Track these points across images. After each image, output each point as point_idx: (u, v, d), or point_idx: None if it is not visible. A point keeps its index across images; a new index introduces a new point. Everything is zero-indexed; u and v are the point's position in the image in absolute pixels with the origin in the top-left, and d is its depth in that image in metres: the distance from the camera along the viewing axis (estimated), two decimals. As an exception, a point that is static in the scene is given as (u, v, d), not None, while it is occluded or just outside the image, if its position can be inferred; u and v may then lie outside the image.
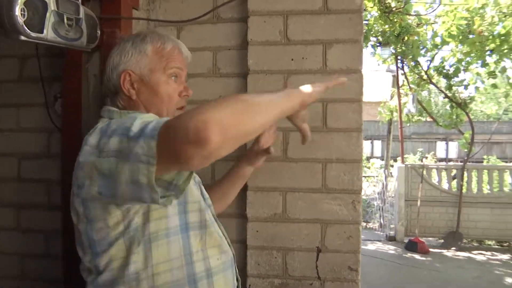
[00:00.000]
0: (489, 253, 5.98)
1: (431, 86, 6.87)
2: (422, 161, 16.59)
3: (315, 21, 1.41)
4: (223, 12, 1.47)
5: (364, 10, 5.26)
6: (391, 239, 6.62)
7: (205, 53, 1.47)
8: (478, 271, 5.16)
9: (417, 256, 5.78)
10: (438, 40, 5.56)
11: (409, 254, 5.87)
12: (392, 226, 6.81)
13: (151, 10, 1.53)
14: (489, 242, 6.43)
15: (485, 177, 6.55)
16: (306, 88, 0.93)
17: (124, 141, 0.79)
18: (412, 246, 6.01)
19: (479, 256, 5.85)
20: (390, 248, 6.24)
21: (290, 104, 0.90)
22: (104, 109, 1.05)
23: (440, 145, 21.77)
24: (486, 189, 6.50)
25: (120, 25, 1.33)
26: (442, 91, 6.24)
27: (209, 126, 0.66)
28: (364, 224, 8.16)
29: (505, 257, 5.79)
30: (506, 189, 6.42)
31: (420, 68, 6.16)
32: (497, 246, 6.34)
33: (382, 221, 7.37)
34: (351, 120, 1.39)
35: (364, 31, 5.47)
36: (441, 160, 16.67)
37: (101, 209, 0.89)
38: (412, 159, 16.71)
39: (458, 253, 5.95)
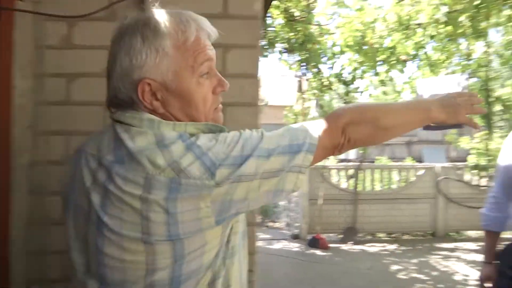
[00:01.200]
0: (380, 245, 6.59)
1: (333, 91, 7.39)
2: (324, 162, 17.76)
3: (215, 25, 1.43)
4: (120, 9, 1.40)
5: (270, 17, 5.49)
6: (295, 237, 6.94)
7: (100, 51, 1.39)
8: (370, 261, 5.66)
9: (318, 252, 6.14)
10: (337, 49, 6.05)
11: (311, 251, 6.21)
12: (297, 224, 7.14)
13: (39, 2, 1.40)
14: (381, 235, 7.08)
15: (377, 175, 7.23)
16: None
17: (276, 160, 0.76)
18: (314, 243, 6.37)
19: (372, 248, 6.42)
20: (294, 246, 6.54)
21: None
22: (138, 117, 0.78)
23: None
24: (378, 186, 7.18)
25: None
26: (341, 97, 6.76)
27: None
28: (271, 223, 8.46)
29: (393, 247, 6.43)
30: (393, 186, 7.15)
31: (322, 75, 6.60)
32: (387, 238, 7.01)
33: (288, 220, 7.68)
34: (248, 123, 1.42)
35: (271, 37, 5.70)
36: (342, 160, 17.96)
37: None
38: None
39: (355, 246, 6.45)
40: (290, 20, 5.42)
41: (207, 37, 0.84)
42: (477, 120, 8.09)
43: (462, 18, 4.79)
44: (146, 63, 0.77)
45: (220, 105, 0.88)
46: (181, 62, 0.79)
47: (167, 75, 0.78)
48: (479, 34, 5.32)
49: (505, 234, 2.00)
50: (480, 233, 6.98)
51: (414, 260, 5.66)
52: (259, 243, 6.62)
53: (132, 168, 0.73)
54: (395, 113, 0.92)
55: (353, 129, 0.84)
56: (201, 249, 0.76)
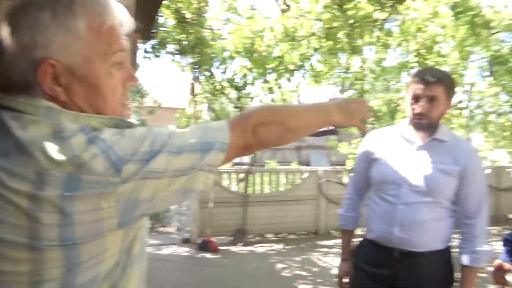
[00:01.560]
0: (268, 245, 6.85)
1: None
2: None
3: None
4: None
5: (161, 16, 5.36)
6: (186, 242, 6.84)
7: None
8: (258, 261, 5.84)
9: (208, 255, 6.14)
10: (228, 54, 6.16)
11: (201, 254, 6.18)
12: (188, 228, 7.05)
13: None
14: (269, 235, 7.37)
15: (267, 178, 7.52)
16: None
17: (184, 157, 0.73)
18: (204, 246, 6.36)
19: (260, 248, 6.64)
20: (184, 250, 6.44)
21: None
22: (33, 103, 0.67)
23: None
24: (267, 189, 7.48)
25: None
26: (232, 102, 6.90)
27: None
28: (162, 228, 8.23)
29: (280, 246, 6.73)
30: (281, 188, 7.51)
31: (214, 79, 6.65)
32: (274, 238, 7.32)
33: (179, 225, 7.55)
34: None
35: (162, 37, 5.56)
36: (236, 164, 18.39)
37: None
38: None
39: (244, 248, 6.60)
40: (181, 21, 5.35)
41: (121, 26, 0.77)
42: (354, 128, 8.96)
43: (340, 34, 5.28)
44: (53, 42, 0.67)
45: (127, 101, 0.82)
46: (94, 46, 0.71)
47: (76, 58, 0.70)
48: (355, 50, 5.92)
49: (358, 231, 2.24)
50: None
51: (298, 258, 6.00)
52: (148, 249, 6.39)
53: (21, 161, 0.63)
54: (301, 115, 0.95)
55: (264, 130, 0.86)
56: (100, 256, 0.68)
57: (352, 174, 2.17)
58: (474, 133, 12.07)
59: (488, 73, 4.38)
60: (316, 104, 1.05)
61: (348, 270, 2.03)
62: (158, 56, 5.77)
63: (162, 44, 5.48)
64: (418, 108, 1.76)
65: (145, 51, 5.65)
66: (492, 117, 10.73)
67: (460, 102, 9.46)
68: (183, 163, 0.73)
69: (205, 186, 0.78)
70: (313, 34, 5.24)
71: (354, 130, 8.97)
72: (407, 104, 1.84)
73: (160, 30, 5.52)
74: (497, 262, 2.01)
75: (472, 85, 9.77)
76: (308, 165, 14.57)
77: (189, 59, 6.16)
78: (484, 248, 1.75)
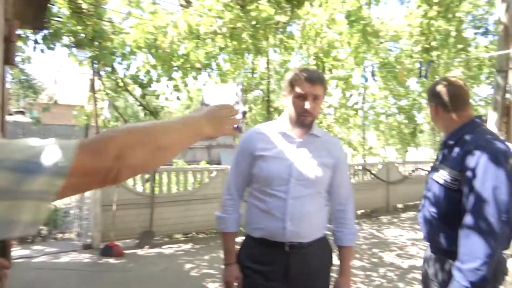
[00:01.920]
0: (176, 245, 6.73)
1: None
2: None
3: None
4: None
5: (54, 4, 4.94)
6: (87, 247, 6.42)
7: None
8: (165, 263, 5.71)
9: (112, 260, 5.83)
10: (129, 49, 5.89)
11: (104, 260, 5.85)
12: (89, 233, 6.62)
13: None
14: (177, 236, 7.25)
15: (174, 178, 7.39)
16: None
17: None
18: (107, 251, 6.03)
19: (168, 249, 6.50)
20: (85, 257, 6.03)
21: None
22: None
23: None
24: (174, 189, 7.34)
25: None
26: (137, 99, 6.64)
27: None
28: (61, 235, 7.61)
29: (188, 246, 6.66)
30: (189, 187, 7.44)
31: (117, 75, 6.32)
32: (183, 238, 7.22)
33: (79, 230, 7.05)
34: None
35: (57, 28, 5.12)
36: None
37: None
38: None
39: (151, 250, 6.41)
40: (77, 12, 4.99)
41: None
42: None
43: (244, 35, 5.39)
44: None
45: None
46: None
47: None
48: (260, 51, 6.11)
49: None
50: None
51: (207, 257, 6.00)
52: (43, 258, 5.87)
53: None
54: (171, 133, 0.88)
55: (131, 153, 0.75)
56: None
57: (230, 175, 2.04)
58: (368, 132, 13.23)
59: (373, 78, 4.86)
60: (185, 118, 0.98)
61: (236, 275, 1.96)
62: (52, 49, 5.29)
63: (56, 35, 5.03)
64: (306, 106, 1.85)
65: (36, 42, 5.14)
66: (382, 118, 11.91)
67: (356, 103, 10.33)
68: None
69: (36, 217, 0.64)
70: (218, 33, 5.27)
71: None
72: (290, 102, 1.89)
73: (53, 20, 5.08)
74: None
75: (365, 88, 10.71)
76: (219, 163, 14.63)
77: (88, 53, 5.78)
78: (356, 228, 2.07)
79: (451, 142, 1.95)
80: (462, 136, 1.90)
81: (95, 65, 6.05)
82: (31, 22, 4.60)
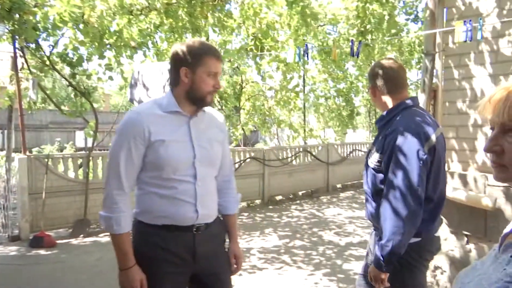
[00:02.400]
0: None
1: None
2: (62, 151, 16.14)
3: None
4: None
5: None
6: (15, 239, 5.97)
7: None
8: (101, 252, 5.46)
9: (42, 252, 5.47)
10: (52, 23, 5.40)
11: (34, 252, 5.48)
12: (17, 224, 6.15)
13: None
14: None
15: (110, 163, 7.01)
16: None
17: None
18: (37, 242, 5.64)
19: (104, 237, 6.22)
20: (12, 250, 5.60)
21: None
22: None
23: (79, 135, 21.80)
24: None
25: None
26: (66, 79, 6.17)
27: None
28: (-17, 227, 7.00)
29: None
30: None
31: (42, 52, 5.79)
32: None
33: (4, 221, 6.52)
34: None
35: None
36: (80, 149, 16.79)
37: None
38: (50, 149, 15.91)
39: (86, 239, 6.10)
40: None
41: None
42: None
43: (180, 12, 5.16)
44: None
45: None
46: None
47: None
48: (198, 30, 5.90)
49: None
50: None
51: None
52: (-38, 254, 5.35)
53: None
54: None
55: None
56: None
57: (117, 165, 1.72)
58: (309, 114, 13.52)
59: (307, 57, 4.87)
60: None
61: (141, 277, 1.75)
62: (-38, 21, 4.71)
63: (-35, 5, 4.46)
64: (218, 84, 1.79)
65: None
66: (322, 101, 12.20)
67: (297, 86, 10.46)
68: None
69: None
70: (152, 9, 4.98)
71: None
72: (196, 78, 1.73)
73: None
74: None
75: (306, 71, 10.86)
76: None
77: (7, 27, 5.22)
78: (239, 195, 2.12)
79: (381, 124, 2.04)
80: (391, 118, 1.97)
81: (16, 41, 5.49)
82: None
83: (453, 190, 3.76)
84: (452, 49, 4.00)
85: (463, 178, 3.84)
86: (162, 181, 1.75)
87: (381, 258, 1.85)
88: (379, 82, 2.04)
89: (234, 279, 2.21)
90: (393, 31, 7.32)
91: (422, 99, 4.31)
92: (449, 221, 3.92)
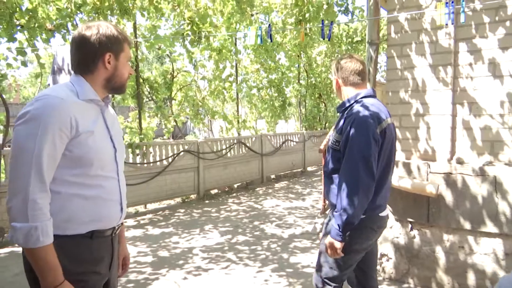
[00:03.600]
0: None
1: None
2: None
3: None
4: None
5: None
6: None
7: None
8: (19, 266, 4.76)
9: None
10: None
11: None
12: None
13: None
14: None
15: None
16: None
17: None
18: None
19: (17, 249, 5.47)
20: None
21: None
22: None
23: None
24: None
25: None
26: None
27: None
28: None
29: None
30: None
31: None
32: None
33: None
34: None
35: None
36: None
37: None
38: None
39: (1, 250, 5.32)
40: None
41: None
42: (129, 100, 8.46)
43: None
44: None
45: None
46: None
47: None
48: (126, 12, 5.35)
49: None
50: (138, 208, 7.38)
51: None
52: None
53: None
54: None
55: None
56: None
57: (38, 160, 1.39)
58: (241, 106, 13.36)
59: (270, 38, 4.66)
60: None
61: None
62: None
63: None
64: (132, 71, 1.73)
65: None
66: (254, 91, 12.07)
67: (230, 75, 10.19)
68: None
69: None
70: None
71: (129, 103, 8.42)
72: (118, 65, 1.62)
73: None
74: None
75: (238, 61, 10.63)
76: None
77: None
78: None
79: (340, 110, 2.34)
80: (351, 105, 2.26)
81: None
82: None
83: (399, 179, 3.80)
84: (394, 39, 4.03)
85: (407, 166, 3.90)
86: (88, 179, 1.52)
87: (338, 228, 2.10)
88: (343, 75, 2.32)
89: (180, 283, 2.02)
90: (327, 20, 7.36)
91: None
92: (394, 209, 3.97)
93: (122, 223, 1.77)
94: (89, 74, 1.59)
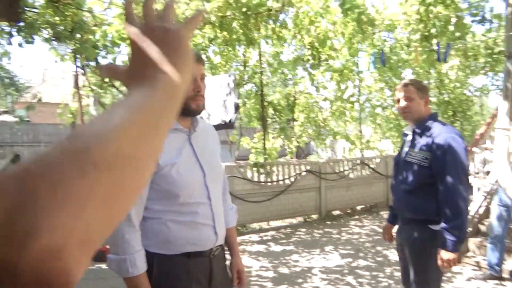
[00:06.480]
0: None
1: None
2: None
3: None
4: None
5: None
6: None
7: None
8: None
9: (104, 266, 5.52)
10: (110, 41, 5.53)
11: (96, 265, 5.54)
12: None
13: None
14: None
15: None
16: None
17: None
18: (100, 257, 5.71)
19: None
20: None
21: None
22: None
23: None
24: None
25: None
26: (124, 95, 6.29)
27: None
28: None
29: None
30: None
31: (102, 70, 5.95)
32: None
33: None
34: None
35: (33, 19, 4.75)
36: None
37: None
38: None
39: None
40: (53, 1, 4.62)
41: None
42: (255, 122, 9.01)
43: (235, 24, 5.07)
44: None
45: None
46: None
47: None
48: (252, 42, 5.79)
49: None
50: (261, 224, 7.73)
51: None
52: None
53: None
54: (140, 132, 0.42)
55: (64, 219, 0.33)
56: None
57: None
58: (364, 125, 13.01)
59: (375, 68, 4.57)
60: (146, 90, 0.47)
61: None
62: (30, 42, 4.93)
63: (32, 28, 4.66)
64: (199, 87, 1.63)
65: (10, 34, 4.77)
66: (378, 110, 11.66)
67: (352, 95, 10.07)
68: None
69: None
70: (207, 22, 4.93)
71: (255, 124, 8.95)
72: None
73: (29, 10, 4.71)
74: (385, 223, 2.79)
75: (361, 80, 10.45)
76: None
77: (68, 47, 5.41)
78: (235, 206, 2.04)
79: (418, 130, 2.40)
80: (427, 126, 2.37)
81: (78, 60, 5.69)
82: (5, 14, 4.25)
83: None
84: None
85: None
86: (179, 207, 1.62)
87: (455, 240, 2.16)
88: (427, 95, 2.44)
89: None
90: (457, 34, 6.80)
91: (505, 106, 3.84)
92: None
93: (221, 245, 1.79)
94: None
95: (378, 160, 9.70)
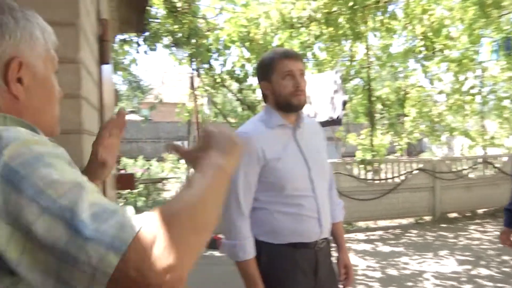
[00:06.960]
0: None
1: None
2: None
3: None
4: None
5: (151, 6, 5.14)
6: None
7: None
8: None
9: (216, 254, 5.93)
10: (222, 44, 5.91)
11: (209, 252, 5.99)
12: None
13: None
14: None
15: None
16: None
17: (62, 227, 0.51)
18: (213, 244, 6.14)
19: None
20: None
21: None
22: None
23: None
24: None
25: None
26: (234, 94, 6.67)
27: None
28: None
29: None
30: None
31: (214, 71, 6.41)
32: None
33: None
34: (69, 120, 1.14)
35: (156, 29, 5.33)
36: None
37: None
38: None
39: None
40: (172, 11, 5.11)
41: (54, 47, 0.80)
42: (362, 118, 8.73)
43: (341, 19, 4.98)
44: (21, 42, 0.70)
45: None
46: (46, 51, 0.75)
47: (38, 61, 0.73)
48: (359, 36, 5.63)
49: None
50: (368, 223, 7.50)
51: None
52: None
53: None
54: (206, 201, 0.64)
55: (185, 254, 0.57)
56: None
57: (235, 189, 1.66)
58: (487, 120, 11.68)
59: (498, 57, 4.06)
60: (205, 168, 0.71)
61: None
62: (153, 50, 5.55)
63: (156, 36, 5.25)
64: (298, 82, 1.68)
65: (138, 44, 5.43)
66: (506, 103, 10.33)
67: (473, 87, 9.12)
68: (48, 228, 0.51)
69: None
70: (313, 20, 4.95)
71: (362, 120, 8.69)
72: (275, 86, 1.70)
73: (152, 21, 5.30)
74: (503, 228, 2.60)
75: (483, 70, 9.40)
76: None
77: (186, 52, 5.94)
78: (341, 201, 2.04)
79: None
80: None
81: (193, 63, 6.20)
82: (134, 26, 4.83)
83: None
84: None
85: None
86: (285, 198, 1.71)
87: None
88: None
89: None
90: None
91: None
92: None
93: (326, 238, 1.83)
94: (267, 103, 1.78)
95: (505, 158, 8.64)
